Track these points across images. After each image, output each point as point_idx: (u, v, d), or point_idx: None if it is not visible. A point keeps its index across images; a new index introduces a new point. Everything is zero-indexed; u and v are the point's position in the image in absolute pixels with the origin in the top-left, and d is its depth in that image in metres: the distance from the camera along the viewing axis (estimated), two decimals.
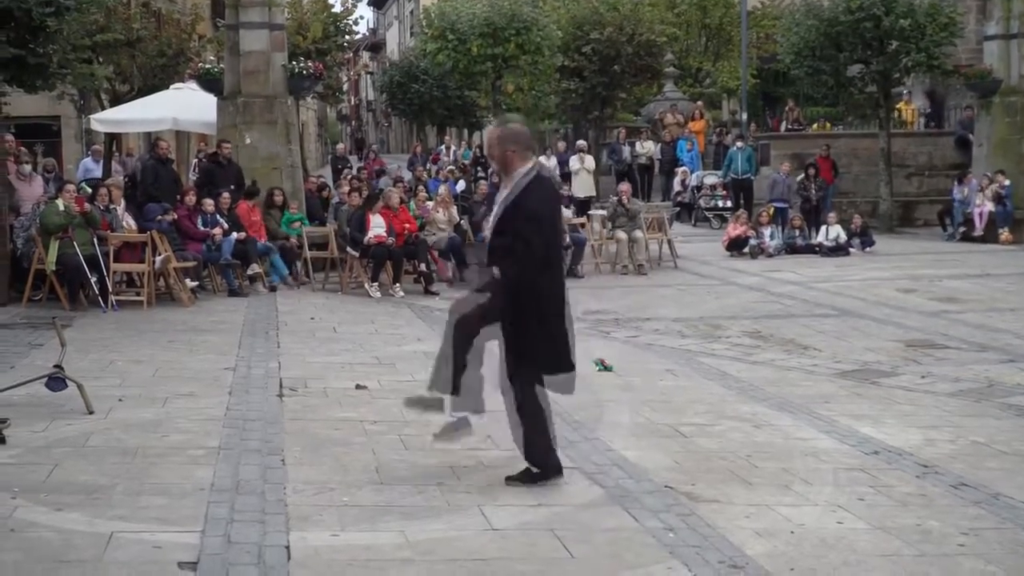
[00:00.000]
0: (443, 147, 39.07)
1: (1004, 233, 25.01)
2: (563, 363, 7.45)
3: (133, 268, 16.52)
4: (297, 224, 19.22)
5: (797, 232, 24.00)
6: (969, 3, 32.38)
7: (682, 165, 32.25)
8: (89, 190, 17.47)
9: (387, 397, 10.16)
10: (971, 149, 28.78)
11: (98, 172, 23.32)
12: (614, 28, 34.10)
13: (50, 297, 15.84)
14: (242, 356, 12.15)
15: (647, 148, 33.49)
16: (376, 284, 17.54)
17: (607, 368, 11.53)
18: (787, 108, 36.94)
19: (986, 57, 28.03)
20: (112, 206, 17.10)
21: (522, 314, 7.26)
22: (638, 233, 20.81)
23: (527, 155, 7.47)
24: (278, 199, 19.38)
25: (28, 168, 18.24)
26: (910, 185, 30.32)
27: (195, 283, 16.96)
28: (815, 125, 35.72)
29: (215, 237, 17.30)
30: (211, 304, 16.54)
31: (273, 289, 17.86)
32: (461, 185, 26.51)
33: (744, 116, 36.44)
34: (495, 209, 7.57)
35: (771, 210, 24.79)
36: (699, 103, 37.35)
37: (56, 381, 9.34)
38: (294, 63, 21.60)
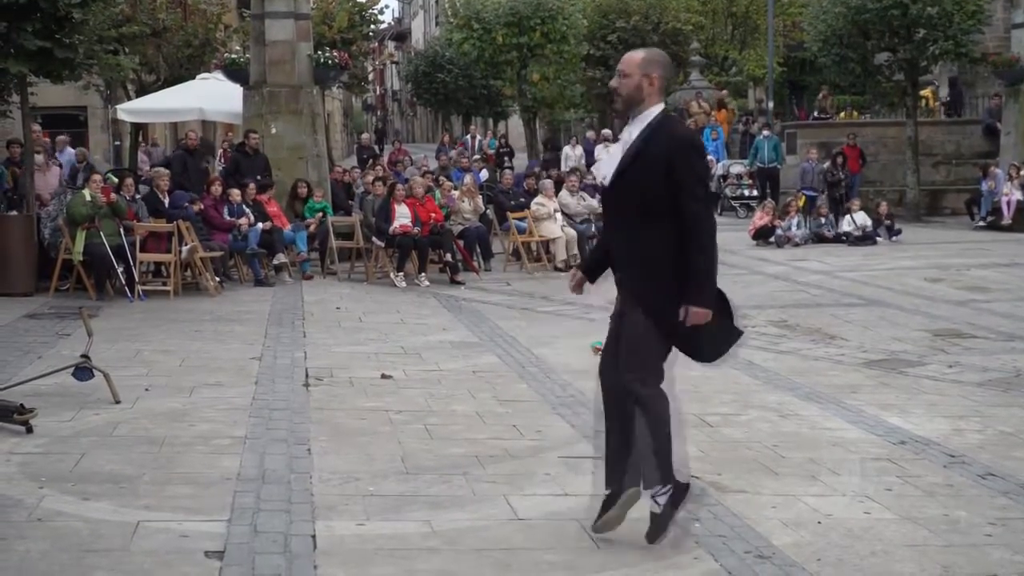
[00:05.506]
0: (468, 136, 39.10)
1: None
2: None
3: (159, 258, 16.58)
4: (320, 214, 19.17)
5: (823, 220, 23.87)
6: None
7: (707, 154, 32.16)
8: (115, 180, 17.53)
9: (412, 387, 10.17)
10: (999, 137, 28.62)
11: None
12: (640, 16, 34.07)
13: (77, 287, 15.91)
14: (268, 346, 12.18)
15: None
16: (401, 274, 17.54)
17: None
18: (821, 96, 36.72)
19: (1013, 45, 27.86)
20: (137, 196, 17.20)
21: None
22: None
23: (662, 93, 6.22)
24: (302, 191, 19.40)
25: (40, 158, 18.19)
26: (937, 174, 30.15)
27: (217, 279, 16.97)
28: (842, 114, 35.53)
29: (241, 227, 17.35)
30: (237, 294, 16.58)
31: (308, 277, 18.03)
32: (485, 174, 26.52)
33: (770, 105, 36.27)
34: (616, 153, 6.34)
35: (802, 199, 24.67)
36: (716, 91, 37.19)
37: (83, 371, 9.36)
38: (320, 53, 21.63)
